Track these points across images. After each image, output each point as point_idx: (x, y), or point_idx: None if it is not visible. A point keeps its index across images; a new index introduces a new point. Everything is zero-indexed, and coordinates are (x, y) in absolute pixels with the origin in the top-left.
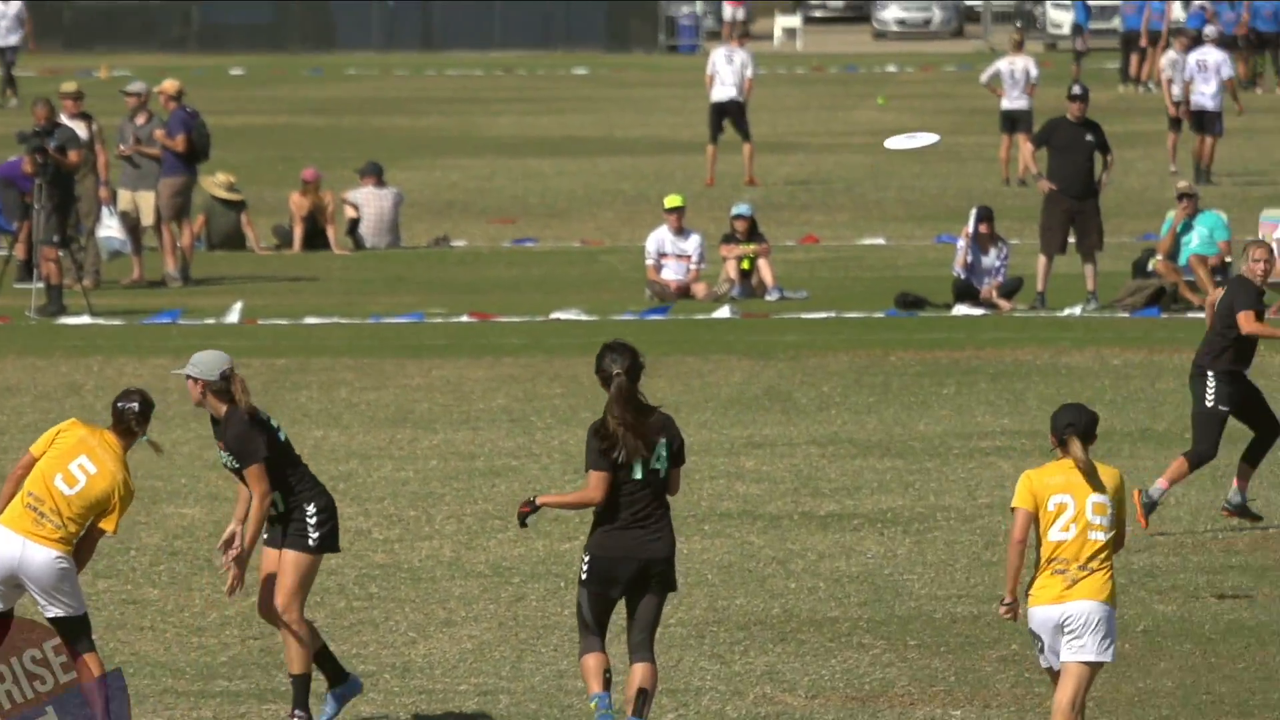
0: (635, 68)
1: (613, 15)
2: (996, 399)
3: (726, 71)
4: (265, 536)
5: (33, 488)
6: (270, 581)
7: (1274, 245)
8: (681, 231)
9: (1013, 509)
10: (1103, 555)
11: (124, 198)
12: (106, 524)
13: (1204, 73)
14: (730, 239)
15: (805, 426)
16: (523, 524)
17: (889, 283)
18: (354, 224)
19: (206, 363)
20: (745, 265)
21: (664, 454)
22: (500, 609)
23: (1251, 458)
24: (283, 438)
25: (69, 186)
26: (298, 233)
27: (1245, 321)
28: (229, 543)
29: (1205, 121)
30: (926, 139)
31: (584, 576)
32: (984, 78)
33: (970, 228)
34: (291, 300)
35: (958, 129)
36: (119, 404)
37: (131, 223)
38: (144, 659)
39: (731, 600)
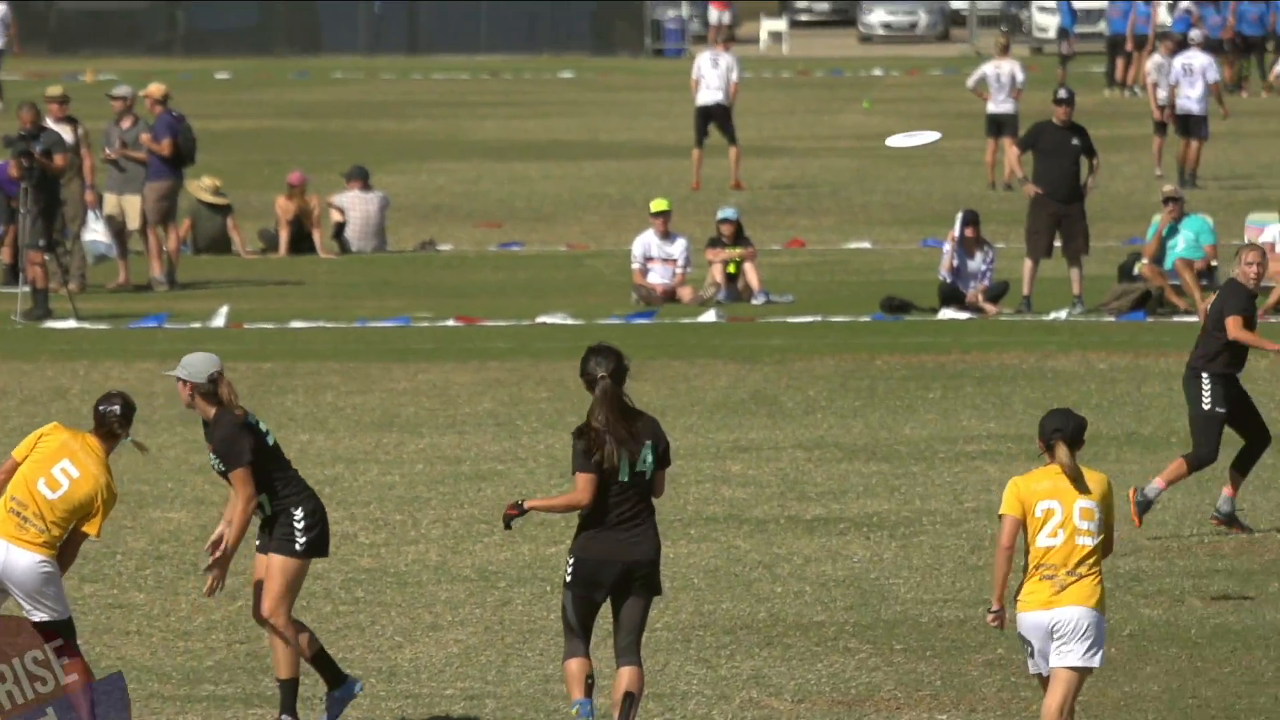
0: (621, 71)
1: (598, 19)
2: (982, 403)
3: (712, 75)
4: (257, 543)
5: (15, 492)
6: (261, 586)
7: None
8: (667, 235)
9: (1000, 516)
10: (1091, 561)
11: (110, 202)
12: (90, 527)
13: (1189, 76)
14: (716, 243)
15: (791, 430)
16: (507, 526)
17: (875, 286)
18: (340, 228)
19: (195, 365)
20: (731, 269)
21: (650, 457)
22: (486, 613)
23: (1241, 465)
24: (271, 441)
25: (55, 190)
26: (283, 236)
27: (1233, 327)
28: (216, 544)
29: (1191, 125)
30: (928, 137)
31: (568, 579)
32: (970, 82)
33: (956, 231)
34: (277, 304)
35: (943, 132)
36: (101, 407)
37: (117, 227)
38: (130, 663)
39: (718, 604)
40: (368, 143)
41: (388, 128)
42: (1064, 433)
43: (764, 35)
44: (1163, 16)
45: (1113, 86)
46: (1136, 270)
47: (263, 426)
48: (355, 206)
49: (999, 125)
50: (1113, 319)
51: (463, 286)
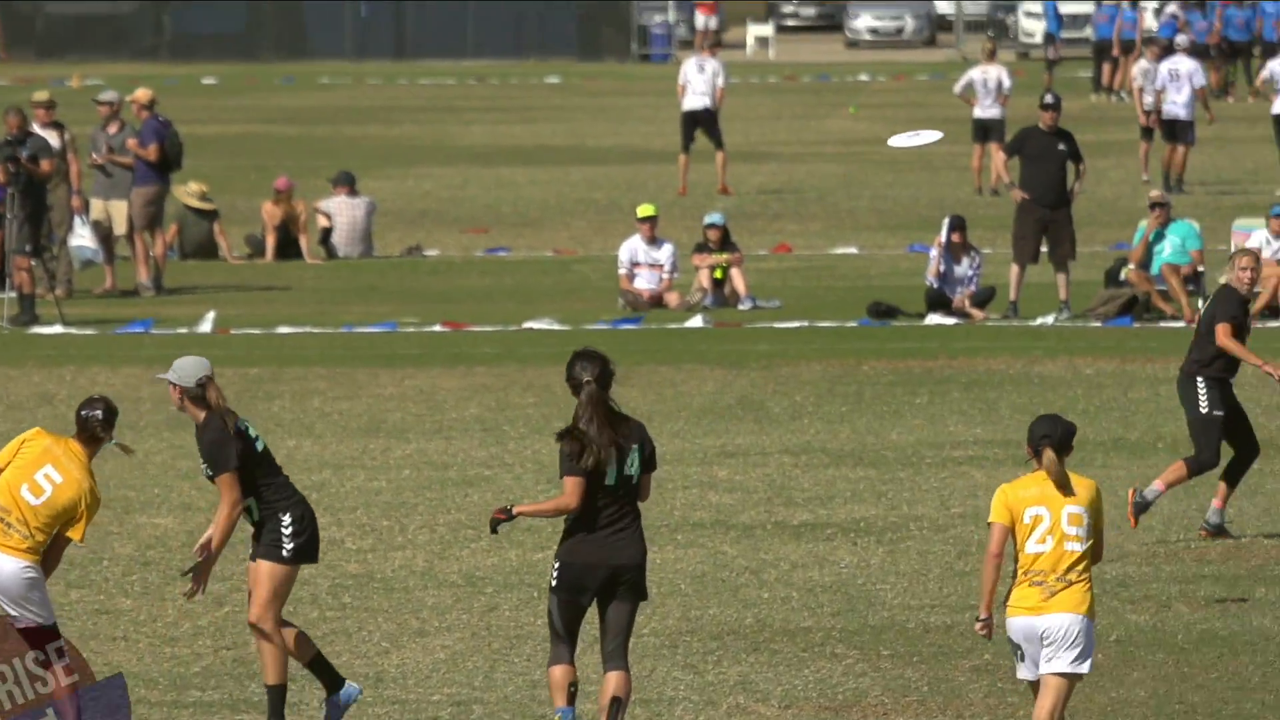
0: (608, 77)
1: (585, 24)
2: (969, 408)
3: (698, 80)
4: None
5: None
6: None
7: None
8: (654, 241)
9: (989, 524)
10: (1080, 567)
11: (96, 207)
12: (74, 533)
13: (1176, 82)
14: (703, 248)
15: (778, 436)
16: (494, 530)
17: (862, 292)
18: (326, 233)
19: (185, 369)
20: (718, 274)
21: (636, 460)
22: (473, 619)
23: (1230, 477)
24: (260, 447)
25: (41, 196)
26: (270, 242)
27: (1221, 334)
28: (205, 547)
29: (1177, 130)
30: (930, 136)
31: (553, 583)
32: (957, 88)
33: (943, 237)
34: (264, 310)
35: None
36: (83, 412)
37: (104, 232)
38: (117, 669)
39: (704, 610)
40: (354, 148)
41: (374, 133)
42: (1052, 439)
43: (750, 40)
44: (1149, 22)
45: (1099, 92)
46: (1123, 275)
47: (252, 432)
48: (342, 212)
49: (985, 130)
50: (1099, 324)
51: (449, 292)
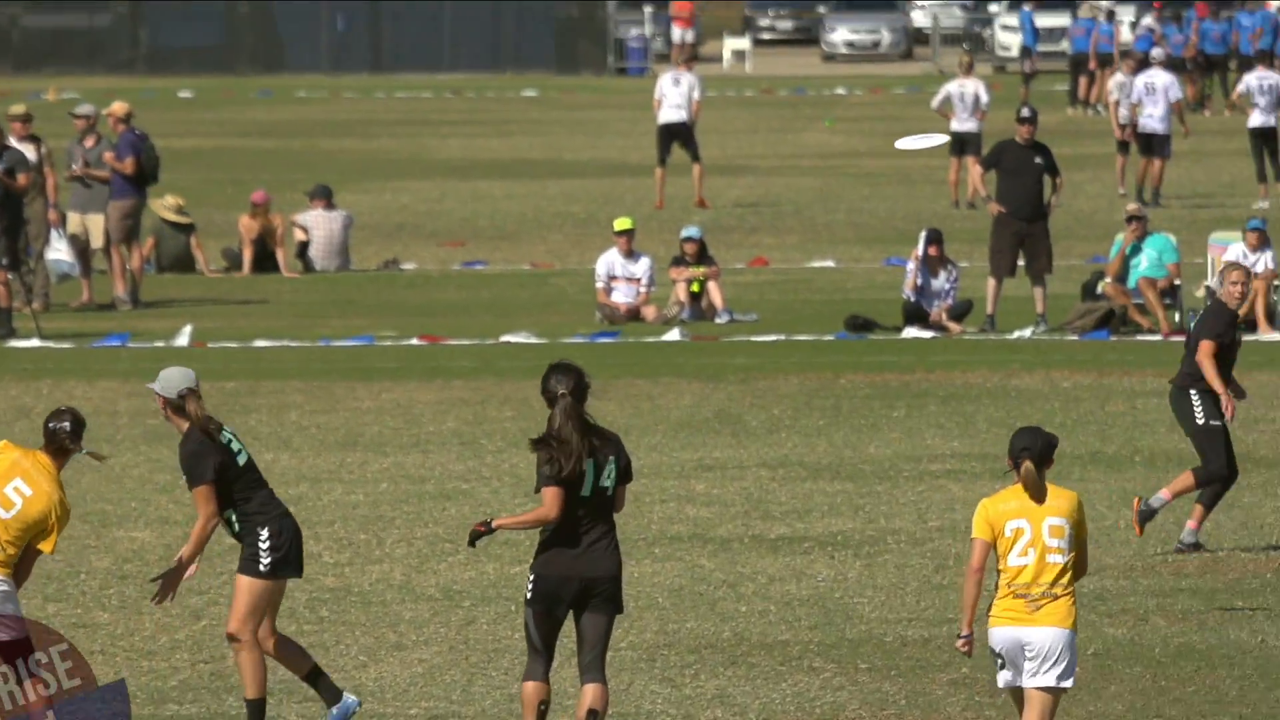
0: (584, 90)
1: (562, 38)
2: (946, 421)
3: (674, 94)
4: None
5: None
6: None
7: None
8: (631, 254)
9: (971, 540)
10: (1064, 580)
11: (73, 220)
12: (45, 545)
13: (1152, 95)
14: (680, 262)
15: (755, 449)
16: (472, 544)
17: (838, 305)
18: (303, 247)
19: (168, 380)
20: (695, 288)
21: (613, 472)
22: (451, 632)
23: (1206, 499)
24: (243, 460)
25: (18, 209)
26: (247, 255)
27: (1202, 350)
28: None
29: (1154, 144)
30: (935, 139)
31: (529, 596)
32: (935, 102)
33: (920, 250)
34: (241, 323)
35: (906, 151)
36: (50, 424)
37: (81, 245)
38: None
39: (682, 623)
40: (331, 161)
41: (351, 146)
42: (1031, 451)
43: (727, 54)
44: (1125, 35)
45: (1075, 105)
46: (1100, 289)
47: (235, 445)
48: (319, 225)
49: (962, 144)
50: (1076, 338)
51: (426, 305)
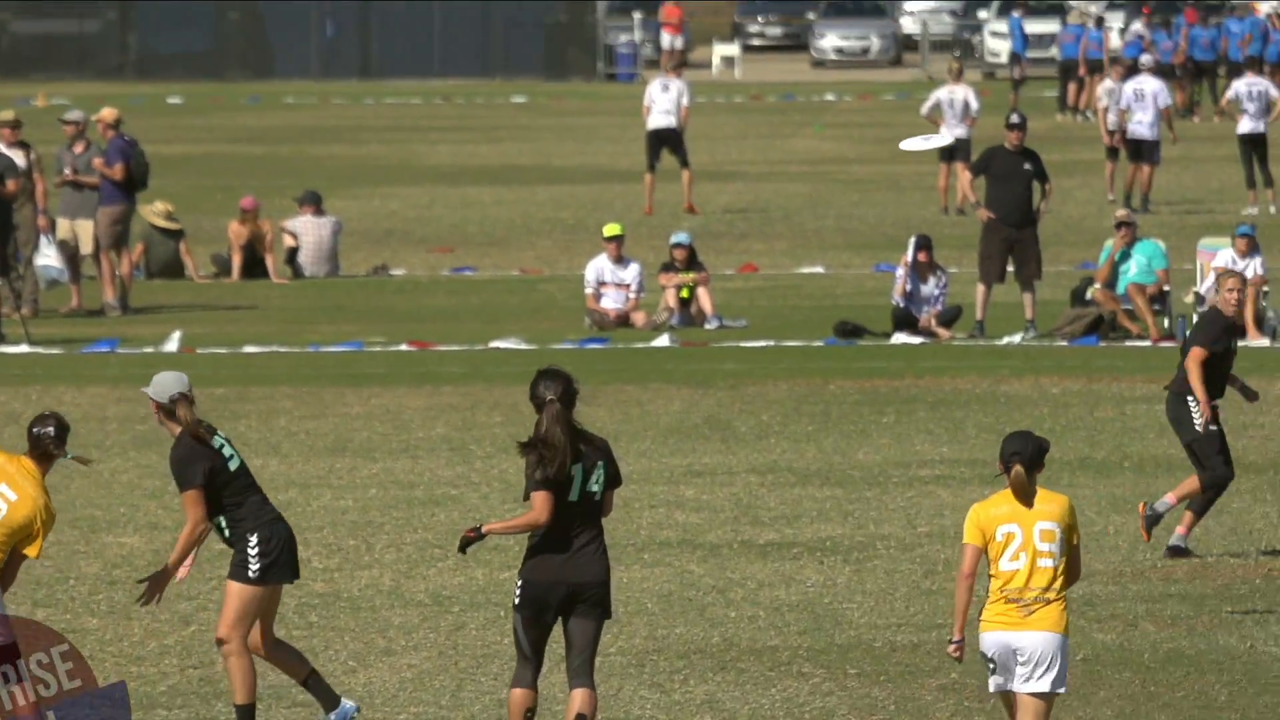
0: (574, 96)
1: (551, 44)
2: (935, 427)
3: (663, 100)
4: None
5: None
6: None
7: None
8: (620, 260)
9: (963, 545)
10: (1056, 585)
11: (62, 226)
12: (30, 550)
13: (1141, 101)
14: (669, 267)
15: (745, 455)
16: (463, 550)
17: (828, 311)
18: (293, 253)
19: (161, 384)
20: (684, 294)
21: (601, 476)
22: (440, 638)
23: (1196, 506)
24: (235, 466)
25: (7, 215)
26: (236, 261)
27: (1191, 357)
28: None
29: (1143, 150)
30: (940, 139)
31: (516, 601)
32: (924, 109)
33: (909, 256)
34: (230, 329)
35: (896, 157)
36: (35, 429)
37: (70, 251)
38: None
39: (671, 629)
40: (320, 168)
41: (340, 153)
42: (1022, 456)
43: (716, 60)
44: (1114, 41)
45: (1065, 111)
46: (1089, 295)
47: (227, 450)
48: (308, 231)
49: (951, 150)
50: (1065, 344)
51: (416, 311)
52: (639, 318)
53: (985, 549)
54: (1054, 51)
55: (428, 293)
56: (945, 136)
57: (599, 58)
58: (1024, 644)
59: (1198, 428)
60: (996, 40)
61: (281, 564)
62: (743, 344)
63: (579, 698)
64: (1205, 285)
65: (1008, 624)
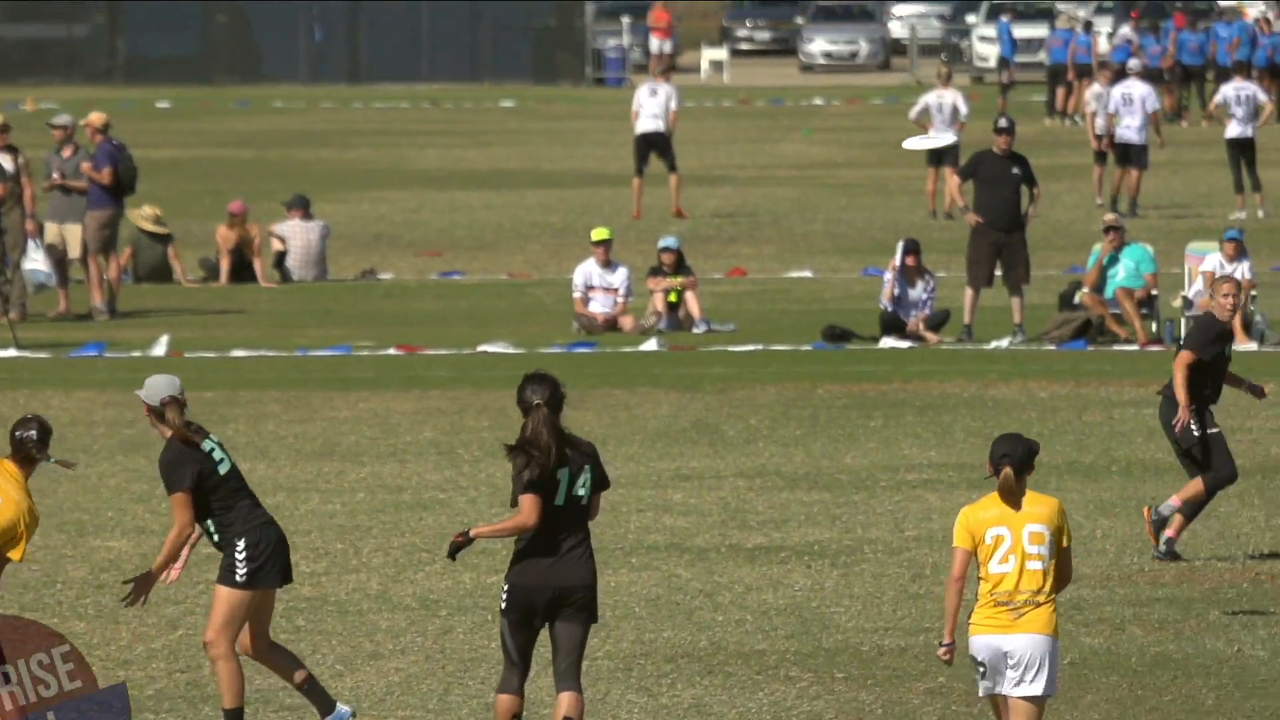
0: (562, 100)
1: (539, 48)
2: (924, 431)
3: (650, 104)
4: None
5: None
6: (251, 619)
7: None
8: (609, 264)
9: (953, 549)
10: (1046, 587)
11: (50, 230)
12: (14, 553)
13: (1129, 106)
14: (657, 272)
15: (733, 459)
16: (452, 557)
17: (816, 315)
18: (281, 257)
19: (153, 387)
20: (672, 298)
21: (588, 480)
22: (428, 641)
23: (1186, 510)
24: (224, 470)
25: None
26: (224, 265)
27: (1179, 359)
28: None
29: (1131, 154)
30: (945, 139)
31: (504, 606)
32: (913, 113)
33: (897, 260)
34: (218, 333)
35: (884, 162)
36: (17, 433)
37: (58, 255)
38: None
39: (659, 633)
40: (308, 172)
41: (329, 157)
42: (1012, 458)
43: (705, 64)
44: (1103, 46)
45: (1053, 116)
46: (1077, 299)
47: (217, 454)
48: (296, 235)
49: (940, 154)
50: (1053, 348)
51: (404, 315)
52: (627, 322)
53: (975, 552)
54: (1042, 56)
55: (416, 297)
56: (949, 136)
57: (587, 62)
58: (1013, 647)
59: (1195, 433)
60: (985, 45)
61: (270, 568)
62: (731, 348)
63: (565, 701)
64: (1193, 289)
65: (997, 627)
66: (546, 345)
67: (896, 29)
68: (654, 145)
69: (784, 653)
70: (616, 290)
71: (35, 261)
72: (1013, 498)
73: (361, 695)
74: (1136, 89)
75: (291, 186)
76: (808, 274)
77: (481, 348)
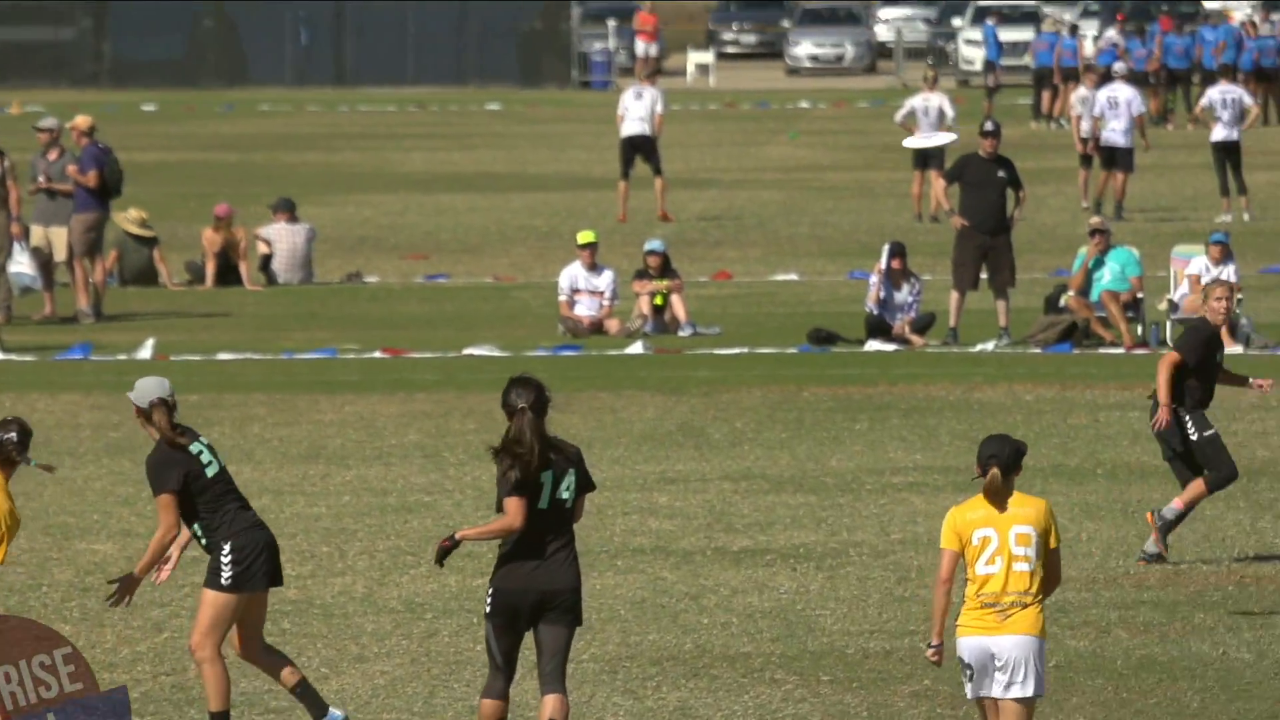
0: (548, 104)
1: (525, 51)
2: (909, 434)
3: (636, 107)
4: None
5: None
6: (242, 621)
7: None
8: (594, 267)
9: (941, 550)
10: (1033, 589)
11: (36, 233)
12: None
13: (1114, 109)
14: (643, 275)
15: (718, 462)
16: (440, 562)
17: (802, 318)
18: (266, 260)
19: (142, 389)
20: (658, 301)
21: (572, 484)
22: (413, 645)
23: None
24: (211, 473)
25: None
26: (210, 269)
27: (1165, 359)
28: (164, 560)
29: (1116, 158)
30: (945, 138)
31: (488, 610)
32: (898, 116)
33: (883, 263)
34: (204, 336)
35: (870, 165)
36: None
37: (44, 258)
38: None
39: (644, 636)
40: (294, 175)
41: (314, 160)
42: (999, 458)
43: (691, 67)
44: (1088, 49)
45: (1039, 119)
46: (1062, 302)
47: (205, 457)
48: (282, 238)
49: (925, 157)
50: (1039, 351)
51: (389, 318)
52: (613, 325)
53: (962, 553)
54: (1028, 59)
55: (401, 300)
56: (949, 135)
57: (573, 65)
58: (1001, 648)
59: (1194, 437)
60: (971, 48)
61: (256, 572)
62: (716, 351)
63: (550, 703)
64: (1179, 292)
65: (984, 629)
66: (532, 348)
67: (882, 32)
68: (640, 148)
69: (769, 655)
70: (602, 293)
71: (21, 264)
72: (999, 498)
73: (347, 698)
74: (1122, 92)
75: (277, 189)
76: (793, 277)
77: (467, 351)
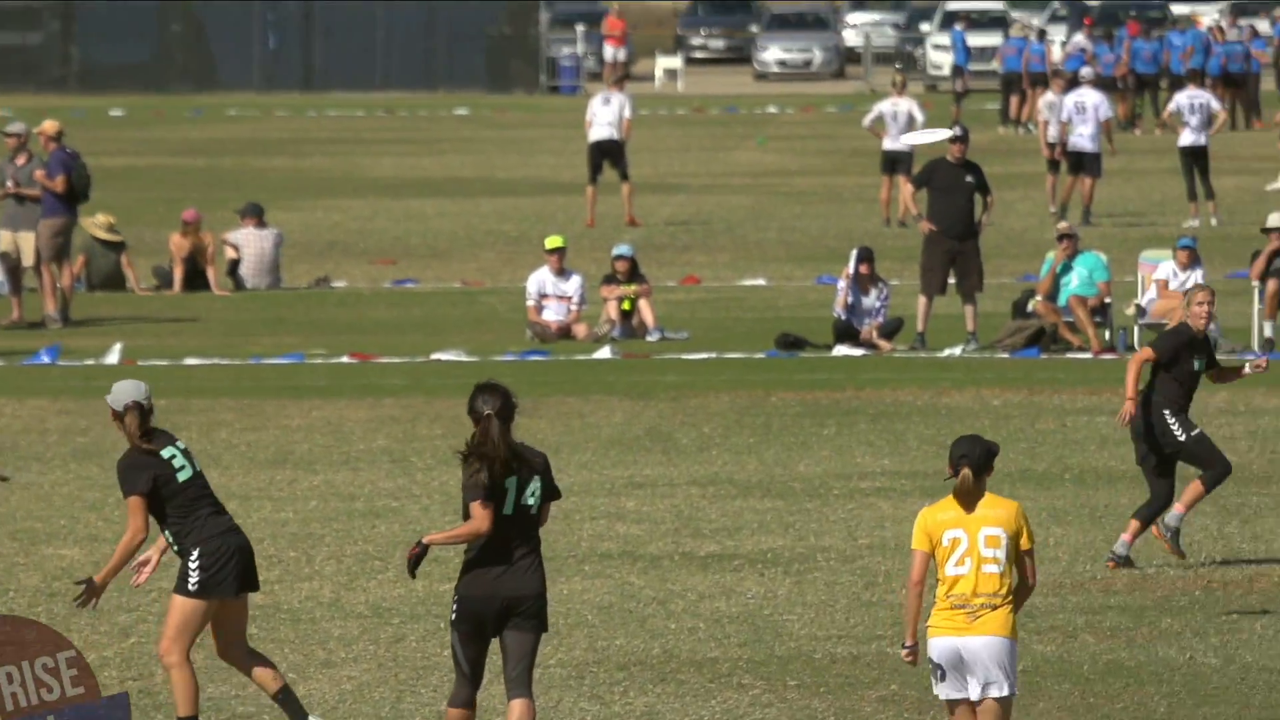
0: (516, 109)
1: (494, 56)
2: (877, 439)
3: (604, 113)
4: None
5: None
6: (220, 626)
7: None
8: (562, 272)
9: (911, 551)
10: (1003, 590)
11: (4, 238)
12: None
13: (1082, 114)
14: (611, 280)
15: (686, 467)
16: (413, 573)
17: (770, 323)
18: (234, 265)
19: (118, 392)
20: (626, 306)
21: (538, 490)
22: (380, 650)
23: (1143, 516)
24: (183, 478)
25: None
26: (178, 274)
27: (1138, 353)
28: (143, 563)
29: (1084, 163)
30: (940, 134)
31: (454, 618)
32: (867, 121)
33: (850, 268)
34: (171, 341)
35: (838, 170)
36: None
37: (11, 263)
38: None
39: (611, 641)
40: (263, 180)
41: (283, 165)
42: (970, 458)
43: (659, 73)
44: (1056, 54)
45: (1007, 124)
46: (1030, 307)
47: (178, 461)
48: (250, 243)
49: (894, 163)
50: (1007, 356)
51: (357, 323)
52: (580, 330)
53: (933, 554)
54: (996, 64)
55: (369, 305)
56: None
57: (542, 70)
58: (972, 649)
59: (1180, 439)
60: (939, 53)
61: (225, 578)
62: (684, 356)
63: (518, 709)
64: (1146, 297)
65: (955, 629)
66: (500, 353)
67: (851, 37)
68: (608, 154)
69: (736, 660)
70: (570, 298)
71: None
72: (970, 499)
73: (314, 703)
74: (1089, 97)
75: (245, 194)
76: (761, 282)
77: (435, 356)
